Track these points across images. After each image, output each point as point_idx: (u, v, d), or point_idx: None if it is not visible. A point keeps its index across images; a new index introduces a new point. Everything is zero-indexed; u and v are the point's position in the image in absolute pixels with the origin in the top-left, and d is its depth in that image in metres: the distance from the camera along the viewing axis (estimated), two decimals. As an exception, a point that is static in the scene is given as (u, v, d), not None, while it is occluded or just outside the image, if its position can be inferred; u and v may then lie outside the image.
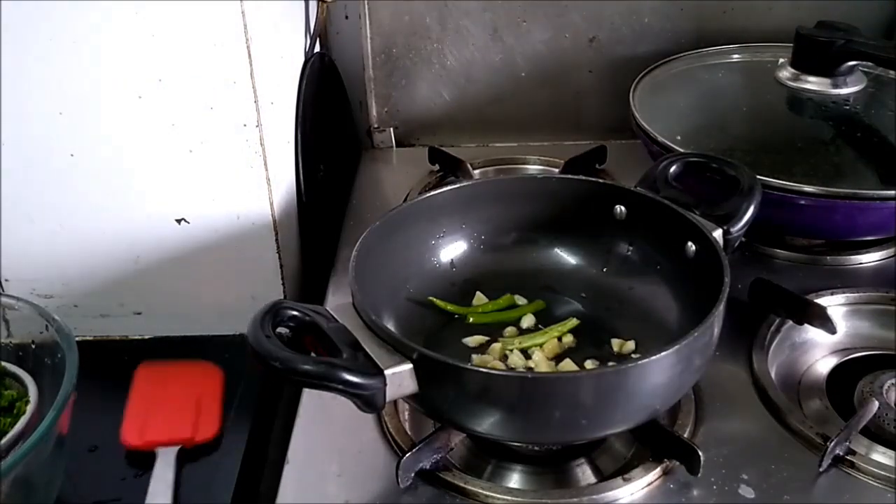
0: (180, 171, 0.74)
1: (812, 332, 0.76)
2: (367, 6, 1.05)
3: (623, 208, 0.74)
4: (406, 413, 0.69)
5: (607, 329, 0.71)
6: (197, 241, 0.78)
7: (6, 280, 0.79)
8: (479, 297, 0.74)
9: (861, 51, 0.87)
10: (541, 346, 0.69)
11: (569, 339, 0.70)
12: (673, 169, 0.75)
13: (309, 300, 0.83)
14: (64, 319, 0.62)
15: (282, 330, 0.56)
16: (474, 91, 1.11)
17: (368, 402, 0.55)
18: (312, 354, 0.57)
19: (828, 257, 0.86)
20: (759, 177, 0.72)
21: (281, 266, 0.80)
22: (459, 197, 0.76)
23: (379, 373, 0.54)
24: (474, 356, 0.69)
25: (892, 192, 0.77)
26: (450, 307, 0.73)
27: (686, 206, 0.70)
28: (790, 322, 0.75)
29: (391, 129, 1.14)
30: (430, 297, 0.73)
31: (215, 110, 0.72)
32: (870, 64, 0.92)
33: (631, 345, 0.69)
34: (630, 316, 0.72)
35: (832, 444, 0.61)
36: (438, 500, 0.61)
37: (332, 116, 1.06)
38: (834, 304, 0.77)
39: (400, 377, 0.54)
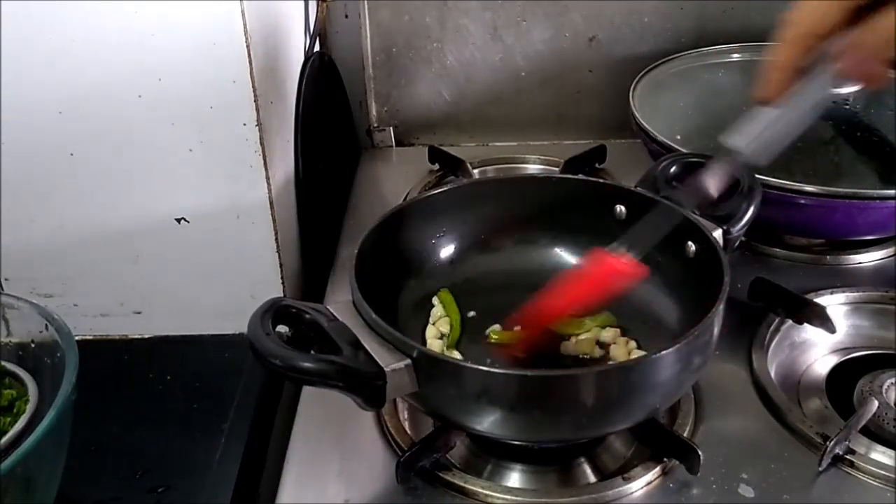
0: (180, 170, 0.74)
1: (812, 332, 0.76)
2: (366, 6, 1.05)
3: (623, 208, 0.74)
4: (406, 412, 0.69)
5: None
6: (197, 241, 0.78)
7: (6, 279, 0.79)
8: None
9: (861, 50, 0.87)
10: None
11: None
12: (673, 169, 0.75)
13: (309, 300, 0.83)
14: (64, 319, 0.62)
15: (282, 328, 0.56)
16: (474, 90, 1.11)
17: (369, 399, 0.55)
18: (313, 352, 0.57)
19: (828, 257, 0.86)
20: (759, 176, 0.72)
21: (281, 265, 0.80)
22: (459, 196, 0.76)
23: (379, 371, 0.54)
24: None
25: (892, 192, 0.77)
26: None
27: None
28: (790, 321, 0.75)
29: (391, 129, 1.14)
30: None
31: (215, 109, 0.72)
32: (870, 63, 0.92)
33: (632, 344, 0.69)
34: (630, 315, 0.72)
35: (832, 443, 0.61)
36: (438, 500, 0.61)
37: (332, 116, 1.06)
38: (834, 303, 0.77)
39: (400, 375, 0.55)
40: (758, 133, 0.52)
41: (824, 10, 0.49)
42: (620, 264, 0.62)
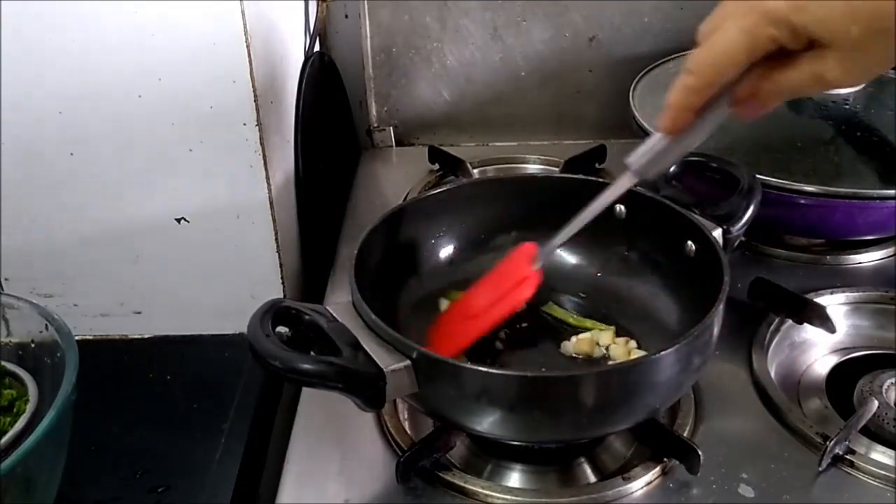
0: (180, 170, 0.74)
1: (812, 332, 0.76)
2: (366, 5, 1.05)
3: (623, 208, 0.74)
4: (405, 412, 0.69)
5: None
6: (197, 241, 0.78)
7: (6, 279, 0.79)
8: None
9: (861, 50, 0.87)
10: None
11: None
12: (673, 168, 0.75)
13: (309, 300, 0.83)
14: (64, 319, 0.62)
15: (282, 329, 0.56)
16: (474, 90, 1.11)
17: (368, 400, 0.55)
18: (312, 353, 0.57)
19: (828, 257, 0.86)
20: (759, 176, 0.72)
21: (281, 265, 0.80)
22: (459, 196, 0.76)
23: (379, 372, 0.54)
24: None
25: (892, 192, 0.77)
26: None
27: (686, 205, 0.70)
28: (790, 321, 0.75)
29: (391, 129, 1.14)
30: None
31: (215, 109, 0.72)
32: (869, 63, 0.92)
33: (632, 344, 0.69)
34: (630, 315, 0.72)
35: (832, 443, 0.61)
36: (438, 500, 0.61)
37: (331, 116, 1.06)
38: (833, 303, 0.77)
39: (400, 376, 0.55)
40: (649, 156, 0.58)
41: (728, 62, 0.50)
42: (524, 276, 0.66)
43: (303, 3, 0.98)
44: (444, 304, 0.73)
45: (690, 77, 0.52)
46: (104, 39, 0.68)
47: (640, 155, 0.58)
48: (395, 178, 1.07)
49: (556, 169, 1.02)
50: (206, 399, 0.75)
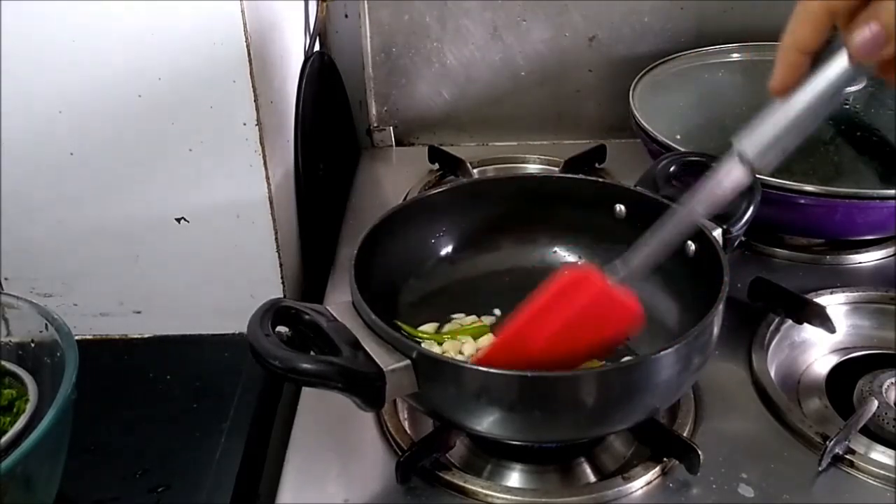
0: (180, 169, 0.74)
1: (811, 332, 0.76)
2: (366, 5, 1.05)
3: (623, 207, 0.74)
4: (405, 412, 0.69)
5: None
6: (197, 241, 0.78)
7: (6, 279, 0.79)
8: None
9: (861, 50, 0.87)
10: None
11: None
12: (672, 168, 0.75)
13: (308, 300, 0.83)
14: (64, 318, 0.62)
15: (281, 329, 0.56)
16: (474, 90, 1.11)
17: (368, 400, 0.55)
18: (312, 353, 0.57)
19: (828, 257, 0.86)
20: (759, 176, 0.72)
21: (281, 265, 0.80)
22: (459, 196, 0.76)
23: (378, 371, 0.54)
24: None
25: (892, 192, 0.77)
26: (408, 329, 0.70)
27: (686, 205, 0.70)
28: (790, 321, 0.75)
29: (391, 129, 1.14)
30: (397, 322, 0.69)
31: (215, 109, 0.72)
32: (870, 63, 0.92)
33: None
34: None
35: (831, 443, 0.61)
36: (438, 500, 0.61)
37: (331, 116, 1.06)
38: (833, 303, 0.77)
39: (399, 376, 0.55)
40: (768, 137, 0.49)
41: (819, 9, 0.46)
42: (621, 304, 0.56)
43: (303, 3, 0.98)
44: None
45: (801, 4, 0.47)
46: (104, 39, 0.68)
47: (756, 139, 0.48)
48: (395, 178, 1.07)
49: (556, 169, 1.02)
50: (206, 399, 0.75)
